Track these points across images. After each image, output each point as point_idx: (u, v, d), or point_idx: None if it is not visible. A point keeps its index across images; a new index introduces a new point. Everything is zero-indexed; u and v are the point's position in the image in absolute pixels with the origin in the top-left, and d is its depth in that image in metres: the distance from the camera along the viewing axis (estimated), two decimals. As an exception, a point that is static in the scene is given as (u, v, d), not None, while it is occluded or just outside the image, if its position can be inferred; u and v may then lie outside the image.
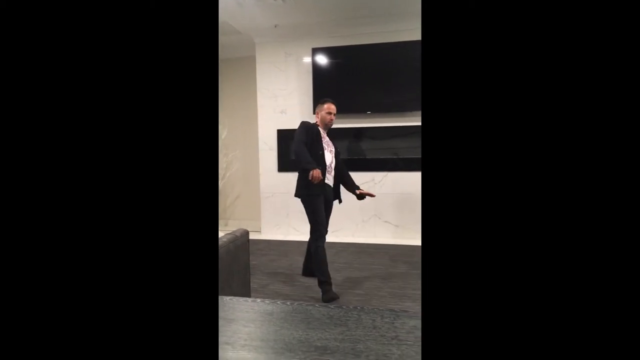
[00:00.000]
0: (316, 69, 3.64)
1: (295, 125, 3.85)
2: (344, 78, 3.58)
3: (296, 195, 2.28)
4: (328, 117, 2.35)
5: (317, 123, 2.38)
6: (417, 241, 3.53)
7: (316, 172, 2.12)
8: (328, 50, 3.62)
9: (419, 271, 2.70)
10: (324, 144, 2.31)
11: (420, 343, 0.52)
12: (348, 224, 3.65)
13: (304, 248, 2.59)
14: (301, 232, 3.65)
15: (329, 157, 2.31)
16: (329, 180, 2.29)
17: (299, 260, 2.69)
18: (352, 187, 2.41)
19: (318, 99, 3.55)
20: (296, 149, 2.23)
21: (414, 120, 3.53)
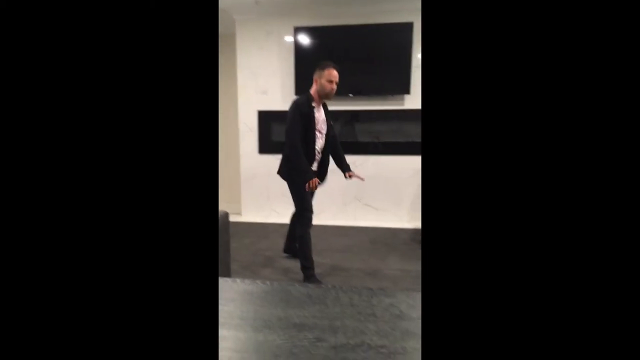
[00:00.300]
0: (298, 48, 3.56)
1: (276, 106, 3.76)
2: (326, 59, 3.52)
3: (278, 172, 2.18)
4: (329, 86, 1.97)
5: (313, 94, 2.01)
6: (396, 224, 3.60)
7: (312, 183, 1.96)
8: (311, 30, 3.54)
9: (398, 252, 2.77)
10: (317, 130, 2.04)
11: (395, 320, 0.53)
12: (329, 207, 3.67)
13: (285, 230, 2.59)
14: (282, 214, 3.65)
15: (320, 143, 2.11)
16: (315, 167, 2.18)
17: (280, 243, 2.70)
18: (343, 167, 2.29)
19: (300, 80, 3.50)
20: (290, 149, 1.98)
21: (396, 104, 3.53)
